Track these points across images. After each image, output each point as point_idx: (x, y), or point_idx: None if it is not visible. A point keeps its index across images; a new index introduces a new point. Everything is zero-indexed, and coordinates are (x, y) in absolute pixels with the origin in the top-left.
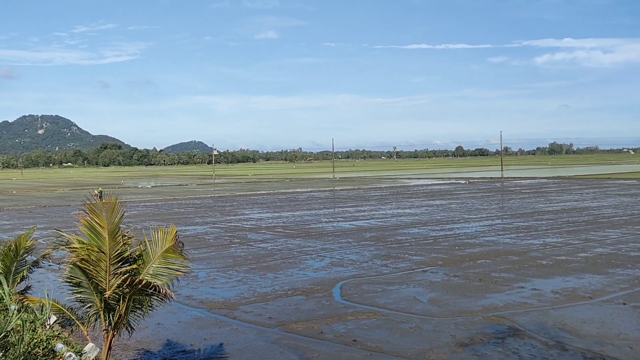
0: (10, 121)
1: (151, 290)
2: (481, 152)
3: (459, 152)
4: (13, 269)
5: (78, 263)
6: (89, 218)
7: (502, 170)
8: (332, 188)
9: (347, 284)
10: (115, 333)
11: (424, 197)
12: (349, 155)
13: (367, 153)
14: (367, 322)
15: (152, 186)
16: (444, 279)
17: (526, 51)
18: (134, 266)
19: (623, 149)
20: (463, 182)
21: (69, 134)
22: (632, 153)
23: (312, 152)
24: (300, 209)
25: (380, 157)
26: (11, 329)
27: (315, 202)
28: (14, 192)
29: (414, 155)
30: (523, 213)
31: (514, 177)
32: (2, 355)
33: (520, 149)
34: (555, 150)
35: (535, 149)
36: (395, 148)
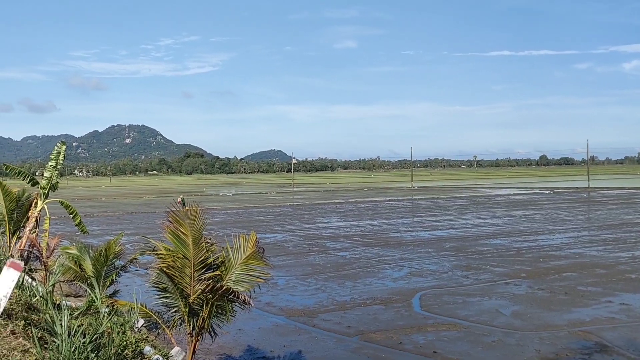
0: (100, 131)
1: (233, 297)
2: (566, 162)
3: (543, 161)
4: (103, 273)
5: (164, 269)
6: (173, 226)
7: (588, 180)
8: (410, 197)
9: (426, 295)
10: (199, 337)
11: (506, 207)
12: (428, 164)
13: (447, 162)
14: (447, 334)
15: (232, 194)
16: (527, 291)
17: (613, 57)
18: (217, 272)
19: None
20: (547, 192)
21: (154, 143)
22: None
23: (390, 161)
24: (379, 217)
25: (460, 166)
26: (102, 331)
27: (394, 211)
28: (103, 198)
29: (495, 164)
30: (611, 224)
31: (601, 187)
32: (95, 356)
33: (607, 158)
34: None
35: (623, 157)
36: (475, 157)
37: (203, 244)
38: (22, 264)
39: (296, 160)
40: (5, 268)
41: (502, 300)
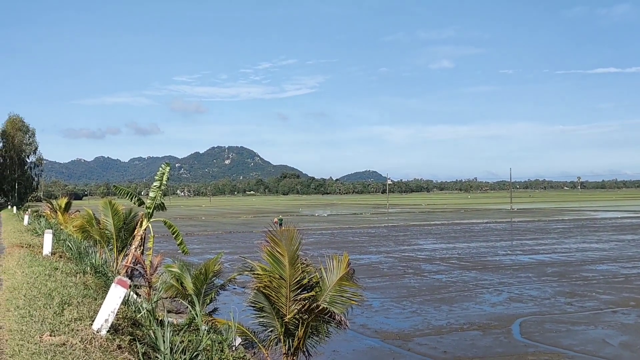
0: (200, 152)
1: (328, 317)
2: None
3: None
4: (203, 291)
5: (261, 288)
6: (269, 247)
7: None
8: (509, 219)
9: (527, 321)
10: (294, 358)
11: (612, 231)
12: (528, 185)
13: (548, 183)
14: None
15: (327, 214)
16: (637, 321)
17: None
18: (312, 293)
19: None
20: None
21: (252, 163)
22: None
23: (487, 182)
24: (476, 240)
25: (562, 188)
26: (202, 348)
27: (492, 234)
28: (203, 218)
29: (601, 185)
30: None
31: None
32: None
33: None
34: None
35: None
36: (579, 178)
37: (299, 264)
38: (129, 281)
39: (391, 181)
40: (113, 285)
41: (609, 329)
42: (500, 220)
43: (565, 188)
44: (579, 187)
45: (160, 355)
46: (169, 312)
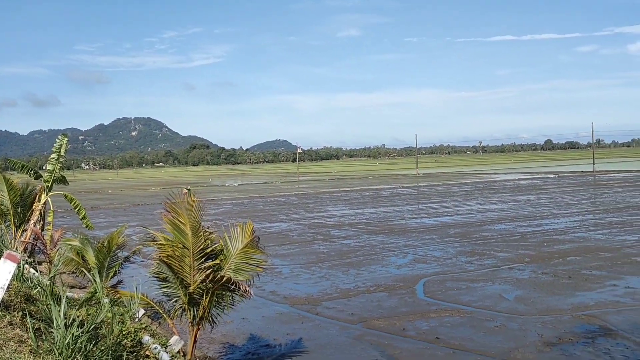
0: (105, 124)
1: (232, 286)
2: (571, 146)
3: (548, 146)
4: (106, 264)
5: (164, 259)
6: (171, 216)
7: (594, 164)
8: (415, 184)
9: (430, 281)
10: (200, 327)
11: (510, 192)
12: (433, 150)
13: (452, 148)
14: (450, 320)
15: (238, 184)
16: (531, 276)
17: (618, 39)
18: (216, 262)
19: None
20: (552, 176)
21: (160, 135)
22: None
23: (395, 149)
24: (384, 205)
25: (465, 152)
26: (101, 321)
27: (399, 199)
28: (110, 191)
29: (501, 149)
30: (617, 208)
31: (607, 171)
32: (93, 346)
33: (613, 141)
34: None
35: (630, 140)
36: (480, 143)
37: (202, 233)
38: (19, 255)
39: (301, 149)
40: (2, 260)
41: (506, 285)
42: (406, 185)
43: (468, 153)
44: (481, 152)
45: (55, 330)
46: (72, 287)
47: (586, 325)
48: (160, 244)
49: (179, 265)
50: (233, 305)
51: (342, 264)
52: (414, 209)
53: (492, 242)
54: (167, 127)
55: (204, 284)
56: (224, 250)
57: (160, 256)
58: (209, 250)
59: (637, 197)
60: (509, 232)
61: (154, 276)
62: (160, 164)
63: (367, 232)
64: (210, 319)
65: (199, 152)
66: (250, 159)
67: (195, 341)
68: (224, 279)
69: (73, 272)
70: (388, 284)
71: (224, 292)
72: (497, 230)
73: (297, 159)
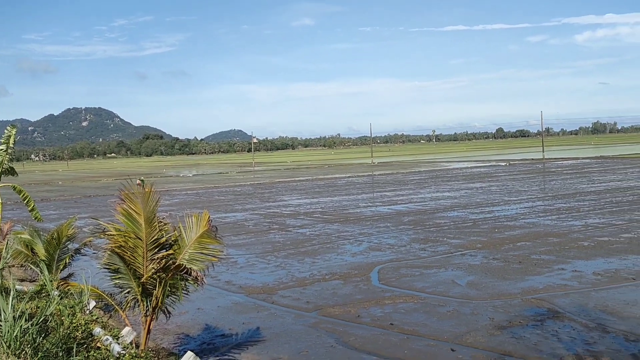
0: (55, 114)
1: (186, 275)
2: (522, 134)
3: (499, 134)
4: (56, 256)
5: (115, 249)
6: (125, 205)
7: (543, 151)
8: (370, 173)
9: (384, 268)
10: (153, 317)
11: (463, 180)
12: (388, 139)
13: (406, 137)
14: (404, 306)
15: (193, 175)
16: (482, 262)
17: (566, 29)
18: (170, 252)
19: None
20: (503, 164)
21: (112, 125)
22: None
23: (350, 138)
24: (339, 194)
25: (419, 141)
26: (51, 314)
27: (354, 188)
28: (60, 182)
29: (454, 138)
30: (565, 194)
31: (555, 158)
32: (42, 338)
33: (562, 129)
34: (598, 129)
35: (577, 128)
36: (434, 131)
37: (156, 223)
38: None
39: (257, 139)
40: None
41: (458, 271)
42: (362, 174)
43: (422, 141)
44: (434, 140)
45: (3, 323)
46: (22, 280)
47: (535, 308)
48: (111, 234)
49: (132, 255)
50: (187, 293)
51: (298, 253)
52: (369, 198)
53: (445, 229)
54: (119, 117)
55: (157, 274)
56: (179, 240)
57: (111, 247)
58: (162, 240)
59: (583, 184)
60: (462, 219)
61: (105, 267)
62: (113, 154)
63: (322, 221)
64: (165, 309)
65: (153, 142)
66: (205, 149)
67: (148, 332)
68: (177, 267)
69: (22, 265)
70: (343, 272)
71: (177, 282)
72: (450, 218)
73: (253, 149)
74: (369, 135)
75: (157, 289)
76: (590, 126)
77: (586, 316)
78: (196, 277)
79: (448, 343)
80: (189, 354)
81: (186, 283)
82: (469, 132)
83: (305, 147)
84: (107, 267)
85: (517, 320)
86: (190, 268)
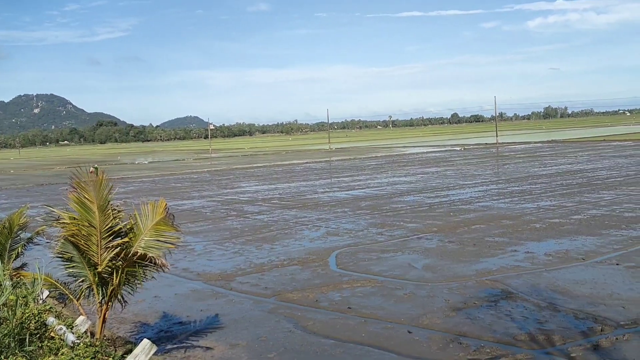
0: (5, 101)
1: (146, 262)
2: (476, 119)
3: (454, 119)
4: (8, 246)
5: (69, 238)
6: (77, 193)
7: (496, 136)
8: (328, 159)
9: (342, 253)
10: (109, 306)
11: (419, 165)
12: (345, 125)
13: (363, 123)
14: (362, 290)
15: (149, 162)
16: (438, 245)
17: (518, 15)
18: (126, 240)
19: (619, 110)
20: (458, 149)
21: (64, 112)
22: (628, 114)
23: (307, 124)
24: (297, 180)
25: (376, 127)
26: (3, 304)
27: (311, 173)
28: (12, 171)
29: (410, 123)
30: (517, 178)
31: (508, 142)
32: None
33: (515, 114)
34: (550, 114)
35: (530, 113)
36: (390, 117)
37: (110, 211)
38: None
39: (213, 126)
40: None
41: (415, 254)
42: (319, 160)
43: (379, 127)
44: (391, 126)
45: None
46: None
47: (489, 289)
48: (64, 222)
49: (86, 244)
50: (145, 280)
51: (256, 239)
52: (327, 183)
53: (402, 214)
54: (71, 103)
55: (114, 262)
56: (134, 228)
57: (65, 235)
58: (117, 228)
59: (535, 167)
60: (418, 204)
61: (58, 256)
62: (66, 142)
63: (280, 207)
64: (121, 297)
65: (106, 129)
66: (160, 136)
67: (104, 321)
68: (133, 254)
69: None
70: (301, 257)
71: (135, 270)
72: (407, 202)
73: (210, 136)
74: (326, 121)
75: (114, 277)
76: (542, 111)
77: (538, 296)
78: (161, 264)
79: (405, 325)
80: (145, 341)
81: (144, 270)
82: (424, 118)
83: (263, 133)
84: (61, 256)
85: (472, 302)
86: (151, 256)
